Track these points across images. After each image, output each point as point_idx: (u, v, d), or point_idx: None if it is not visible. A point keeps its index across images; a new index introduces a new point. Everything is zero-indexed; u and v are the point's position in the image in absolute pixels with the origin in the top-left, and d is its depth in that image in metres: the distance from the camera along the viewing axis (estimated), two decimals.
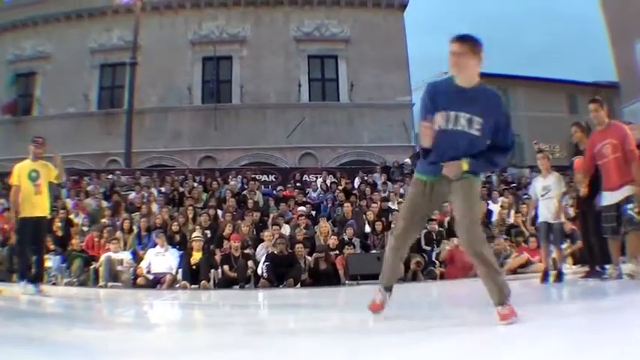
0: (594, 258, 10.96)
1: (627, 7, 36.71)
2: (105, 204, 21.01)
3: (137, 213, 19.53)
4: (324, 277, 15.23)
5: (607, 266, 10.42)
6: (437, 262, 16.44)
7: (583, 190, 10.68)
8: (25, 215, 11.15)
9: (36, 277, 11.69)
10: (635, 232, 9.09)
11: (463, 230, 5.45)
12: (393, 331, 5.49)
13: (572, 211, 14.21)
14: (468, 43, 5.43)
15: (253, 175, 26.80)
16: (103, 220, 18.56)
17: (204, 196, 22.32)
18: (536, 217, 11.89)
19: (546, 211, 11.01)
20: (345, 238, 16.87)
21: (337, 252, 16.18)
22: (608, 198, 9.45)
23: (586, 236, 11.31)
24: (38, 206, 11.35)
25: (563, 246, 13.33)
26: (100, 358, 4.15)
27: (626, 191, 9.11)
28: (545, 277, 10.70)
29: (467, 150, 5.38)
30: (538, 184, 11.32)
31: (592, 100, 10.06)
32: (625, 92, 38.90)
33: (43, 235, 11.91)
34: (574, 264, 14.91)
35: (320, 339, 5.16)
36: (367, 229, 17.95)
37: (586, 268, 11.50)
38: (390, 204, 20.43)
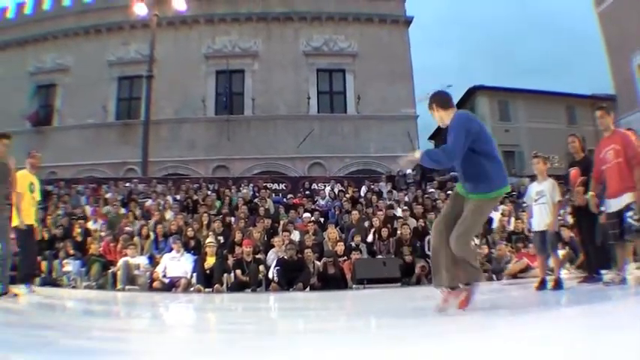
0: (591, 264, 10.96)
1: (624, 22, 36.74)
2: (123, 211, 20.91)
3: (151, 220, 19.52)
4: (332, 282, 15.17)
5: (603, 272, 10.41)
6: None
7: (579, 200, 10.70)
8: (27, 223, 11.27)
9: (27, 277, 11.99)
10: (637, 240, 9.00)
11: (454, 235, 6.42)
12: (397, 332, 5.48)
13: (570, 219, 14.12)
14: (433, 101, 7.04)
15: (264, 184, 26.79)
16: (127, 228, 18.46)
17: (218, 203, 22.24)
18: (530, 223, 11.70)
19: (539, 217, 10.52)
20: (352, 244, 16.84)
21: (345, 257, 16.18)
22: (612, 205, 9.28)
23: (583, 244, 11.32)
24: (32, 215, 11.61)
25: (561, 252, 13.22)
26: (116, 358, 4.09)
27: (626, 198, 8.93)
28: (541, 285, 10.54)
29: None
30: (532, 189, 10.94)
31: (599, 107, 9.98)
32: (622, 104, 38.82)
33: (31, 241, 11.95)
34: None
35: (328, 340, 5.16)
36: (370, 237, 17.81)
37: (584, 274, 11.43)
38: (394, 211, 20.31)
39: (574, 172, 11.14)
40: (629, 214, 8.81)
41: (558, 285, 9.93)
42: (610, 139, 9.39)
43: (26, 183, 11.44)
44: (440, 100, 6.99)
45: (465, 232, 6.47)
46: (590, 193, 10.00)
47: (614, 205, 9.21)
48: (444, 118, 6.87)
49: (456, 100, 48.89)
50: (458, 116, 6.68)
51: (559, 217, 12.25)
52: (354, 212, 19.48)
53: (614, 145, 9.24)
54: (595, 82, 55.13)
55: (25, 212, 11.22)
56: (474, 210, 6.50)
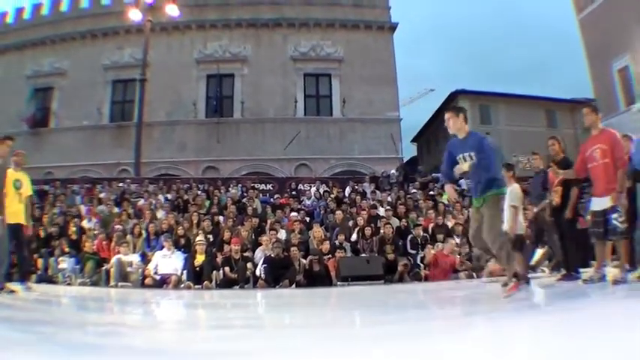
0: (569, 263, 10.99)
1: (605, 29, 36.84)
2: (116, 210, 21.08)
3: (143, 219, 19.70)
4: (317, 279, 15.33)
5: (581, 270, 10.57)
6: (421, 264, 16.64)
7: (556, 200, 10.88)
8: (13, 222, 11.03)
9: (22, 274, 12.02)
10: (621, 241, 9.14)
11: (484, 233, 7.99)
12: (380, 327, 5.71)
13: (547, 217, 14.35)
14: (462, 113, 8.54)
15: (252, 184, 26.86)
16: (118, 227, 18.56)
17: (207, 203, 22.39)
18: None
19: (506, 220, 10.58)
20: (337, 242, 17.07)
21: (330, 255, 16.39)
22: (597, 204, 9.29)
23: (562, 242, 11.37)
24: (20, 213, 11.38)
25: (540, 251, 13.55)
26: (110, 353, 4.17)
27: (610, 200, 8.94)
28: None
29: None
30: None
31: (586, 105, 10.19)
32: (601, 108, 38.82)
33: (23, 239, 11.82)
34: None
35: (313, 334, 5.29)
36: (354, 236, 18.01)
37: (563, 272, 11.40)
38: (378, 211, 20.45)
39: (552, 173, 11.08)
40: (614, 215, 8.83)
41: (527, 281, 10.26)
42: (597, 138, 9.39)
43: (11, 180, 11.16)
44: (465, 114, 8.62)
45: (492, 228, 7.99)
46: (561, 172, 10.16)
47: (598, 204, 9.25)
48: (462, 128, 8.43)
49: (438, 103, 49.28)
50: (484, 139, 8.43)
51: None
52: (339, 212, 19.68)
53: (600, 144, 9.24)
54: (575, 86, 55.15)
55: (10, 210, 10.96)
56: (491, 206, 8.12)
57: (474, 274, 15.74)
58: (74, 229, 18.70)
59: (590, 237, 9.65)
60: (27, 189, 11.69)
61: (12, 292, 10.48)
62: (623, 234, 8.92)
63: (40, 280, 15.48)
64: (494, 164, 8.24)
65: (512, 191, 10.22)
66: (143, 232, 18.29)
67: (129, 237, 17.66)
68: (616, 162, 9.01)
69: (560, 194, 10.87)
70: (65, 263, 16.70)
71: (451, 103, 46.43)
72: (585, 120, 9.72)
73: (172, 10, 34.43)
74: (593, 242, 9.64)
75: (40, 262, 16.82)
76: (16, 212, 11.24)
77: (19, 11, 44.39)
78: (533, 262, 15.09)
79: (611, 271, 9.39)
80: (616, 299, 7.45)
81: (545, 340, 3.95)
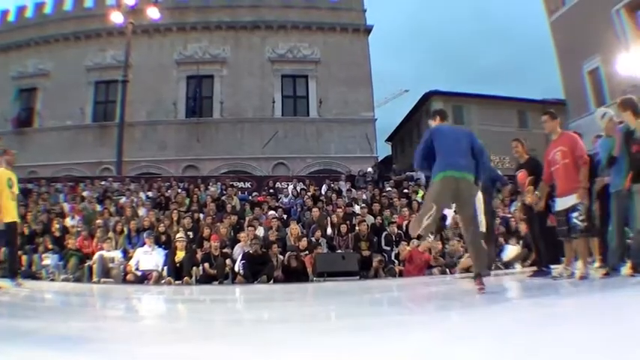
0: (541, 259, 11.14)
1: (575, 32, 36.94)
2: (98, 208, 21.07)
3: (124, 216, 19.68)
4: (294, 274, 15.34)
5: (552, 266, 10.65)
6: (396, 261, 16.69)
7: (528, 199, 10.79)
8: (8, 220, 11.15)
9: (13, 272, 11.84)
10: (581, 239, 9.18)
11: None
12: (356, 321, 5.68)
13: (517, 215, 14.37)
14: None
15: (231, 182, 26.86)
16: (98, 222, 18.59)
17: (187, 200, 22.37)
18: None
19: None
20: (313, 239, 17.16)
21: (307, 252, 16.39)
22: (559, 204, 9.49)
23: (534, 239, 11.46)
24: (14, 211, 11.44)
25: (514, 248, 13.56)
26: (90, 346, 4.02)
27: (572, 199, 9.08)
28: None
29: None
30: None
31: (545, 112, 10.16)
32: (572, 109, 38.97)
33: (17, 237, 11.98)
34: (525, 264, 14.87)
35: (290, 328, 5.26)
36: (329, 230, 18.21)
37: (534, 268, 11.61)
38: (353, 209, 20.59)
39: (521, 174, 11.23)
40: (574, 214, 9.00)
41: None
42: (557, 142, 9.58)
43: (4, 180, 11.23)
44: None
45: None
46: (536, 193, 10.21)
47: (561, 204, 9.43)
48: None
49: (412, 104, 49.54)
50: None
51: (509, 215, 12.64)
52: (315, 209, 19.58)
53: (561, 147, 9.40)
54: (547, 87, 55.62)
55: (5, 209, 11.10)
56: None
57: (447, 269, 15.79)
58: (57, 226, 18.59)
59: (557, 235, 9.73)
60: (16, 187, 11.68)
61: (0, 288, 10.46)
62: (583, 232, 9.03)
63: (24, 276, 15.18)
64: None
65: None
66: (125, 229, 18.23)
67: (111, 234, 17.60)
68: (577, 161, 9.15)
69: (532, 192, 10.68)
70: (49, 260, 16.65)
71: (425, 103, 46.84)
72: (545, 127, 9.96)
73: (153, 13, 34.60)
74: (560, 240, 9.74)
75: (24, 258, 16.61)
76: (11, 210, 11.28)
77: (4, 14, 43.99)
78: (506, 258, 15.15)
79: (580, 268, 9.38)
80: (584, 293, 7.54)
81: (510, 331, 4.09)
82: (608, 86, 34.85)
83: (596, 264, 9.90)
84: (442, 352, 3.32)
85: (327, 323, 5.83)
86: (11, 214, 11.30)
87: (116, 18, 33.65)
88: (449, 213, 19.62)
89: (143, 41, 40.21)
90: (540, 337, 3.57)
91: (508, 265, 15.54)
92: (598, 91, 36.61)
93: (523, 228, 15.38)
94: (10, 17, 43.92)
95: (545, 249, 10.93)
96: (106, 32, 40.70)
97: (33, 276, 16.13)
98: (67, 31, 42.00)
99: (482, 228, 10.71)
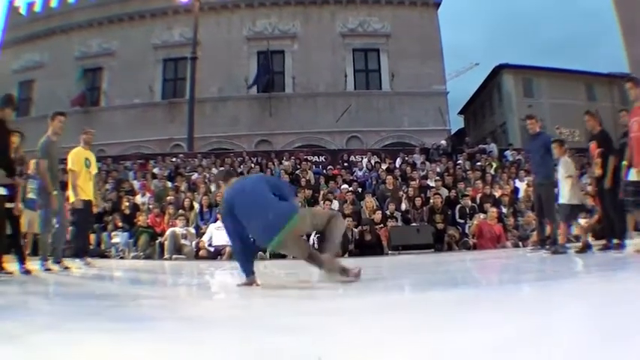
0: (613, 232, 10.84)
1: (638, 6, 36.58)
2: (169, 185, 21.30)
3: (197, 192, 19.85)
4: (369, 248, 15.37)
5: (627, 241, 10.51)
6: (469, 234, 16.69)
7: (597, 172, 10.73)
8: (84, 199, 11.19)
9: (81, 251, 11.97)
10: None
11: None
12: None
13: (591, 189, 14.07)
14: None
15: (305, 157, 27.17)
16: (169, 198, 18.79)
17: None
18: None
19: (560, 191, 11.28)
20: (388, 212, 17.23)
21: (381, 225, 16.58)
22: (632, 174, 9.18)
23: (605, 212, 11.23)
24: (89, 191, 11.47)
25: (582, 221, 13.07)
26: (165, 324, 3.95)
27: None
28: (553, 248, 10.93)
29: None
30: (558, 166, 11.43)
31: (628, 78, 9.88)
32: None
33: (89, 216, 11.96)
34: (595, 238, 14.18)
35: (366, 298, 5.36)
36: (404, 205, 18.20)
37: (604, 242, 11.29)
38: (427, 182, 20.71)
39: (592, 145, 11.10)
40: None
41: (588, 248, 10.68)
42: (636, 111, 9.25)
43: (82, 159, 11.38)
44: None
45: None
46: (624, 162, 9.86)
47: (633, 174, 9.13)
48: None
49: (482, 77, 49.36)
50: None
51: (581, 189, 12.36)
52: (390, 178, 19.79)
53: (637, 117, 9.14)
54: (614, 61, 55.40)
55: (82, 188, 11.20)
56: None
57: (520, 242, 15.92)
58: (127, 204, 18.71)
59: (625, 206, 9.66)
60: (94, 167, 11.93)
61: (67, 268, 10.44)
62: None
63: (92, 255, 15.20)
64: None
65: (567, 163, 11.18)
66: (196, 205, 18.33)
67: (181, 210, 17.72)
68: None
69: (600, 165, 10.69)
70: (118, 238, 17.01)
71: (495, 77, 46.57)
72: (630, 94, 9.54)
73: None
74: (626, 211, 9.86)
75: (92, 237, 16.39)
76: (87, 190, 11.42)
77: None
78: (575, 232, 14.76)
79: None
80: None
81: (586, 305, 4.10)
82: None
83: None
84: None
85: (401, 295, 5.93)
86: (87, 194, 11.37)
87: None
88: (521, 186, 19.48)
89: (211, 18, 40.29)
90: None
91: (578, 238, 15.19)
92: None
93: (590, 201, 15.23)
94: None
95: (618, 222, 10.69)
96: (172, 10, 41.11)
97: (102, 254, 16.33)
98: (132, 10, 42.41)
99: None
